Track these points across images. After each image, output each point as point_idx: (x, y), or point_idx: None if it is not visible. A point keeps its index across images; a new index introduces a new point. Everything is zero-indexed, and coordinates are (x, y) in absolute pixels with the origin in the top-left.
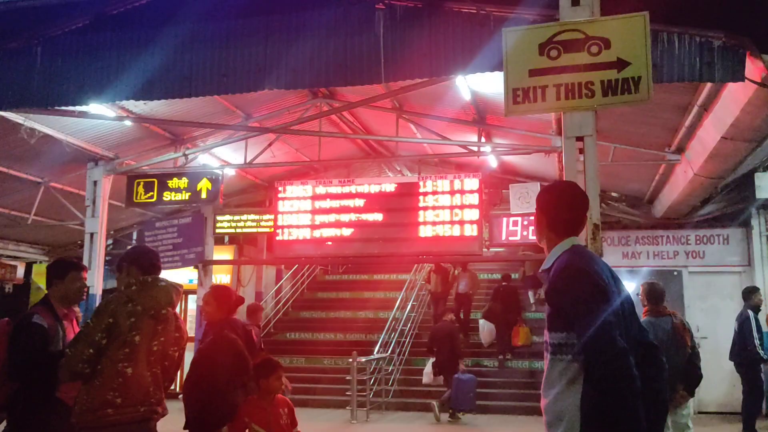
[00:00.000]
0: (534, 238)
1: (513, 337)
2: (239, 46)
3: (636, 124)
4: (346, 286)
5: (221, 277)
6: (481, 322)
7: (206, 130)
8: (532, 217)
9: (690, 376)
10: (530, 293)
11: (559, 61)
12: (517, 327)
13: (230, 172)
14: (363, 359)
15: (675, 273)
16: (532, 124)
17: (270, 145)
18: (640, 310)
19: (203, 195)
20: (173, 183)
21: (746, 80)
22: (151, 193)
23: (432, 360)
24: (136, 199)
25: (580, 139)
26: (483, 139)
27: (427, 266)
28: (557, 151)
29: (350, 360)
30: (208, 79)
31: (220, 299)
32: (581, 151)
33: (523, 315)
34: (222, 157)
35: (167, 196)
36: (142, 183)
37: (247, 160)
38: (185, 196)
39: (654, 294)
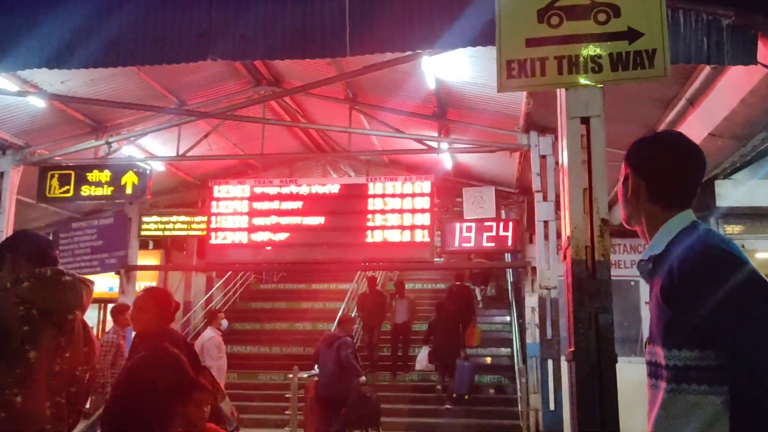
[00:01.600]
0: (489, 245)
1: (468, 337)
2: (178, 7)
3: (606, 120)
4: (283, 296)
5: (146, 284)
6: (422, 350)
7: (133, 117)
8: (487, 223)
9: None
10: (477, 290)
11: (561, 29)
12: (472, 327)
13: (159, 167)
14: (305, 374)
15: (632, 283)
16: (495, 119)
17: (207, 136)
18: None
19: (128, 190)
20: (93, 176)
21: (759, 64)
22: (67, 187)
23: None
24: (50, 193)
25: (584, 121)
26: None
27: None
28: (522, 149)
29: (289, 375)
30: (139, 44)
31: (161, 304)
32: (585, 136)
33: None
34: (150, 150)
35: (86, 190)
36: (56, 175)
37: (180, 153)
38: (107, 191)
39: None
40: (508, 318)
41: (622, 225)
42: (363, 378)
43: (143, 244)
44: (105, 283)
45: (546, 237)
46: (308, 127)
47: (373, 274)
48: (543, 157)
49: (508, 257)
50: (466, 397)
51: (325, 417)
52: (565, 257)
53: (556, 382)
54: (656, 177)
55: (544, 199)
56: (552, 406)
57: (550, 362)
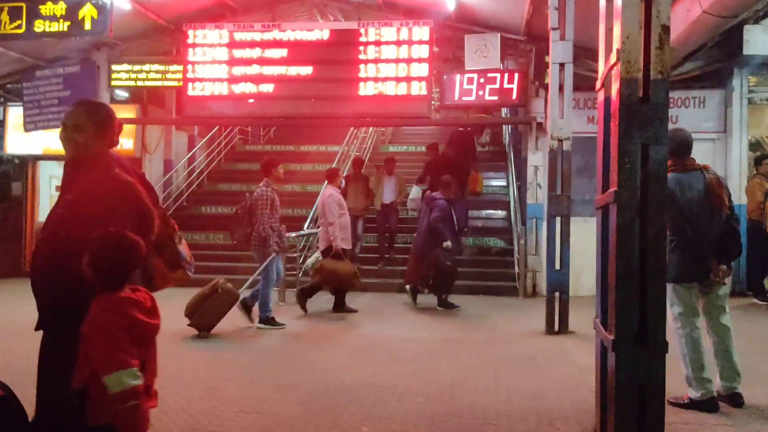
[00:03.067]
0: (492, 98)
1: (471, 183)
2: None
3: None
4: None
5: (122, 141)
6: (414, 188)
7: None
8: (491, 74)
9: (729, 243)
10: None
11: None
12: (474, 173)
13: (124, 4)
14: (292, 234)
15: None
16: None
17: None
18: None
19: (86, 25)
20: (47, 9)
21: None
22: (19, 22)
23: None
24: (2, 29)
25: None
26: None
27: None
28: None
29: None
30: None
31: (100, 120)
32: None
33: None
34: None
35: (39, 25)
36: (6, 8)
37: None
38: (63, 26)
39: (677, 143)
40: (504, 182)
41: None
42: (447, 243)
43: (116, 97)
44: None
45: (561, 83)
46: None
47: (358, 154)
48: None
49: (505, 112)
50: (465, 230)
51: (412, 270)
52: (603, 85)
53: (564, 239)
54: None
55: (562, 37)
56: (558, 266)
57: (557, 220)
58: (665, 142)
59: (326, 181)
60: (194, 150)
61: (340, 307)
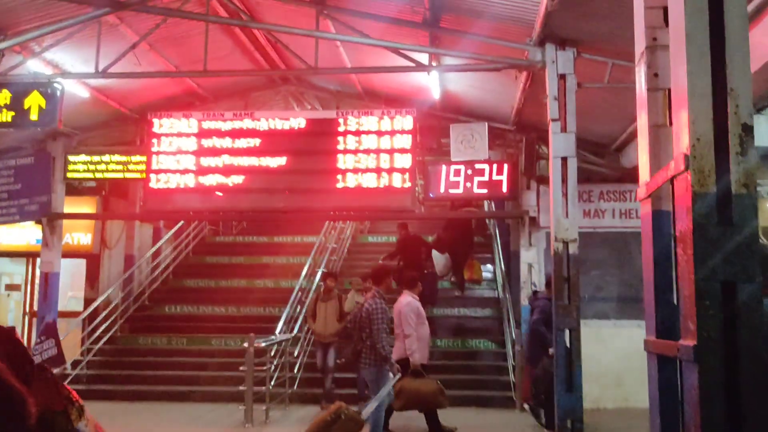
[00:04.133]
0: (481, 191)
1: (468, 270)
2: None
3: None
4: (242, 250)
5: (79, 236)
6: (434, 253)
7: (41, 22)
8: (479, 166)
9: None
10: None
11: None
12: (471, 260)
13: (82, 92)
14: (262, 342)
15: None
16: (502, 29)
17: (134, 46)
18: None
19: (33, 115)
20: None
21: None
22: None
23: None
24: None
25: None
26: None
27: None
28: (535, 66)
29: (245, 343)
30: None
31: None
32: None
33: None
34: (62, 66)
35: None
36: None
37: (100, 69)
38: (7, 116)
39: None
40: (490, 274)
41: None
42: (551, 350)
43: (73, 189)
44: (27, 235)
45: (564, 178)
46: (264, 29)
47: (326, 271)
48: (562, 76)
49: (487, 205)
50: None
51: (526, 380)
52: (649, 195)
53: (576, 356)
54: None
55: (563, 129)
56: (568, 387)
57: (566, 332)
58: (759, 279)
59: (404, 288)
60: (160, 243)
61: (436, 429)
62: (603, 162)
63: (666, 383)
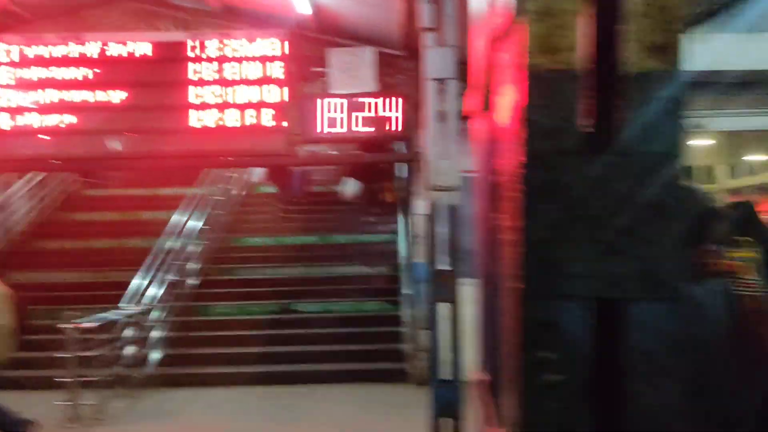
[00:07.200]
0: (367, 130)
1: (388, 192)
2: None
3: None
4: (120, 204)
5: None
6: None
7: None
8: (365, 99)
9: None
10: None
11: None
12: (389, 182)
13: None
14: (88, 322)
15: None
16: None
17: None
18: None
19: None
20: None
21: None
22: None
23: None
24: None
25: None
26: None
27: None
28: None
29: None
30: None
31: None
32: None
33: None
34: None
35: None
36: None
37: None
38: None
39: None
40: (395, 224)
41: None
42: None
43: None
44: None
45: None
46: None
47: None
48: None
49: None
50: None
51: None
52: None
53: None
54: None
55: (440, 42)
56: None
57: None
58: None
59: None
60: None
61: None
62: None
63: None
